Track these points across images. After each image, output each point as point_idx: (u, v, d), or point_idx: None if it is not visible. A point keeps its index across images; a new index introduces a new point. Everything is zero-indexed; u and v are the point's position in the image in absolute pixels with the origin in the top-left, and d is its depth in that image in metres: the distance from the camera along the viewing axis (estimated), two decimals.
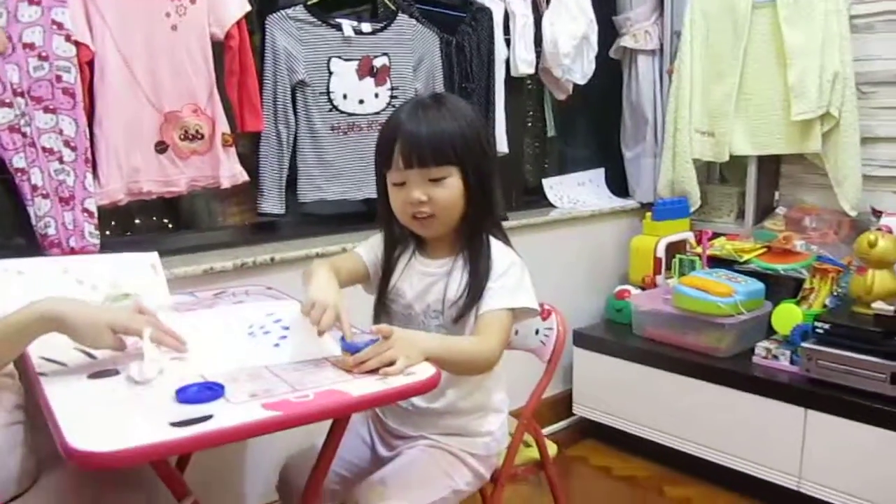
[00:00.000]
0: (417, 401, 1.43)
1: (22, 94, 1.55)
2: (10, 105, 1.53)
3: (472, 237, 1.40)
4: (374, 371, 1.14)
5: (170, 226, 2.09)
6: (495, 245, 1.41)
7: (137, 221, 2.03)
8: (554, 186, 2.85)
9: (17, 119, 1.55)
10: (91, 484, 1.16)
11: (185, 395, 1.03)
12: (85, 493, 1.14)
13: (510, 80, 2.47)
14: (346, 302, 1.27)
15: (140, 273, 1.60)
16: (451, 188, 1.34)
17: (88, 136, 1.64)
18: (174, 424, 0.95)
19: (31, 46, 1.54)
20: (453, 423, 1.44)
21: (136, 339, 1.14)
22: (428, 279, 1.43)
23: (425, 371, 1.15)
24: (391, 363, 1.14)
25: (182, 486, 1.12)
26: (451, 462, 1.41)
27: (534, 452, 1.67)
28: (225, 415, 0.98)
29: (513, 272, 1.39)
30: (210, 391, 1.05)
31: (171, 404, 1.02)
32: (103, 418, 0.98)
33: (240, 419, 0.97)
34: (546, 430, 1.72)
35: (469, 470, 1.43)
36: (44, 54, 1.56)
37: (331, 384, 1.10)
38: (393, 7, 2.16)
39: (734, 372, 2.25)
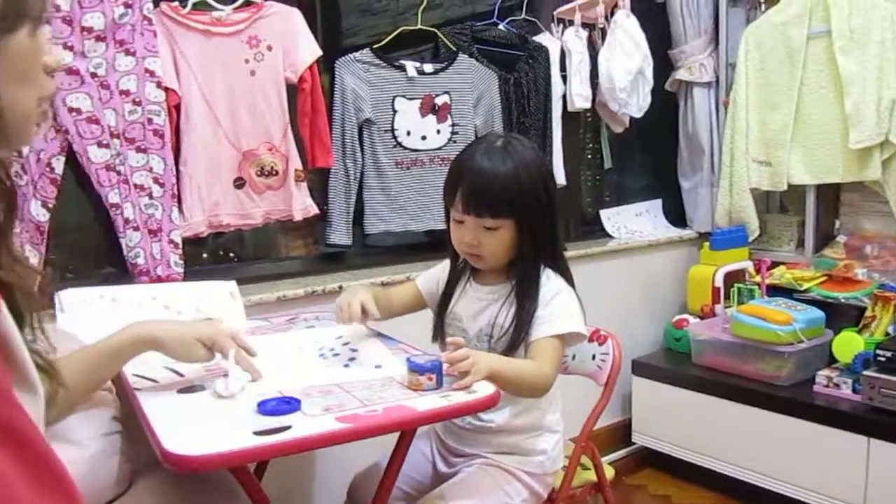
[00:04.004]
0: (475, 419, 1.51)
1: (118, 136, 1.70)
2: (107, 146, 1.69)
3: (524, 269, 1.47)
4: (439, 387, 1.22)
5: (234, 258, 2.20)
6: (545, 275, 1.47)
7: (205, 256, 2.14)
8: (612, 217, 2.90)
9: (112, 158, 1.70)
10: (180, 489, 1.26)
11: (266, 408, 1.13)
12: (176, 497, 1.24)
13: (567, 115, 2.55)
14: (408, 323, 1.38)
15: (220, 299, 1.73)
16: (501, 238, 1.42)
17: (175, 174, 1.79)
18: (257, 433, 1.04)
19: (126, 93, 1.70)
20: (508, 441, 1.50)
21: (218, 359, 1.25)
22: (480, 304, 1.51)
23: (486, 389, 1.23)
24: (465, 373, 1.23)
25: (262, 494, 1.21)
26: (506, 478, 1.48)
27: (591, 475, 1.72)
28: (302, 426, 1.07)
29: (559, 300, 1.45)
30: (288, 405, 1.14)
31: (254, 416, 1.12)
32: (194, 427, 1.08)
33: (315, 430, 1.06)
34: (605, 459, 1.76)
35: (524, 486, 1.49)
36: (137, 100, 1.71)
37: (397, 400, 1.18)
38: (453, 48, 2.27)
39: (795, 400, 2.24)
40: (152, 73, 1.72)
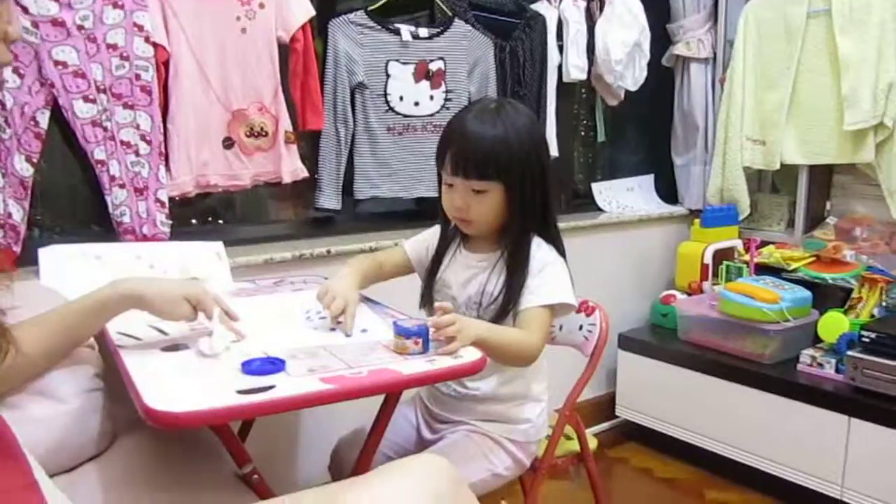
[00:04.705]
0: (460, 387, 1.51)
1: (104, 91, 1.67)
2: (93, 101, 1.66)
3: (513, 238, 1.46)
4: (425, 351, 1.21)
5: (222, 220, 2.18)
6: (536, 244, 1.46)
7: (193, 221, 2.12)
8: (603, 191, 2.89)
9: (99, 114, 1.67)
10: (163, 448, 1.26)
11: (250, 367, 1.12)
12: (157, 455, 1.24)
13: (562, 86, 2.53)
14: (395, 288, 1.36)
15: (206, 260, 1.71)
16: (489, 202, 1.40)
17: (162, 132, 1.76)
18: (241, 392, 1.03)
19: (114, 47, 1.66)
20: (493, 409, 1.50)
21: (202, 318, 1.24)
22: (469, 271, 1.50)
23: (472, 355, 1.22)
24: (452, 338, 1.22)
25: (244, 454, 1.20)
26: (490, 447, 1.48)
27: (574, 445, 1.72)
28: (286, 386, 1.06)
29: (549, 270, 1.44)
30: (272, 365, 1.13)
31: (238, 375, 1.10)
32: (177, 384, 1.07)
33: (299, 390, 1.05)
34: (589, 431, 1.76)
35: (508, 455, 1.50)
36: (125, 54, 1.68)
37: (383, 363, 1.17)
38: (449, 13, 2.24)
39: (778, 378, 2.26)
40: (141, 28, 1.68)
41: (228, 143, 1.87)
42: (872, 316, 2.26)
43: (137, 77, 1.70)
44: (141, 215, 1.74)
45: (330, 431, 1.70)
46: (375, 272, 1.57)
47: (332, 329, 1.37)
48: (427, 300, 1.55)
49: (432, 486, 0.95)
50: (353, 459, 1.36)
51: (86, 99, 1.65)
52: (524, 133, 1.40)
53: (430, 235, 1.62)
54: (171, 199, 1.79)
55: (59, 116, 1.65)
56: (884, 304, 2.27)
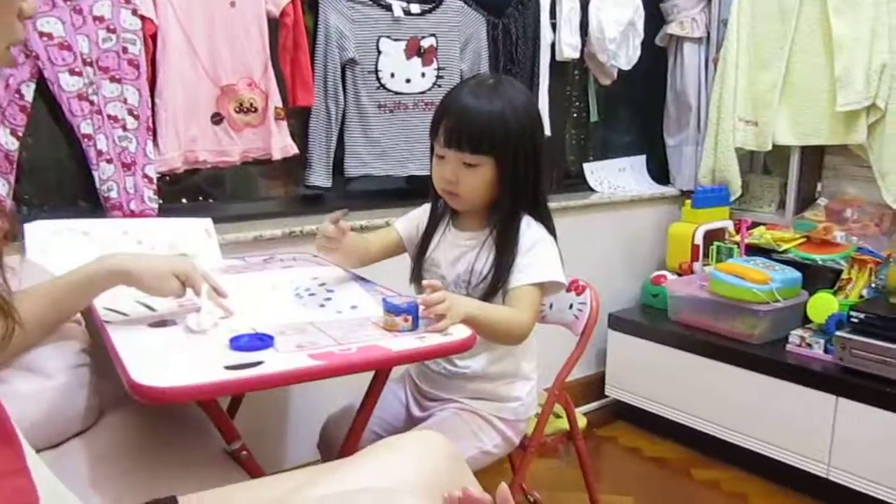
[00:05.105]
0: (450, 364, 1.51)
1: (91, 64, 1.64)
2: (79, 74, 1.63)
3: (503, 216, 1.45)
4: (414, 328, 1.21)
5: (211, 198, 2.16)
6: (525, 223, 1.46)
7: (184, 201, 2.10)
8: (595, 171, 2.88)
9: (85, 87, 1.65)
10: (150, 424, 1.25)
11: (238, 343, 1.12)
12: (144, 431, 1.23)
13: (555, 65, 2.51)
14: (385, 266, 1.35)
15: (195, 237, 1.70)
16: (480, 176, 1.39)
17: (150, 106, 1.73)
18: (228, 368, 1.03)
19: (100, 19, 1.64)
20: (483, 387, 1.50)
21: (190, 294, 1.23)
22: (458, 250, 1.49)
23: (461, 332, 1.22)
24: (441, 316, 1.22)
25: (232, 430, 1.20)
26: (480, 424, 1.48)
27: (564, 423, 1.73)
28: (274, 362, 1.06)
29: (539, 248, 1.43)
30: (261, 341, 1.13)
31: (226, 351, 1.10)
32: (164, 360, 1.06)
33: (288, 366, 1.05)
34: (578, 411, 1.76)
35: (497, 433, 1.50)
36: (112, 27, 1.65)
37: (372, 340, 1.17)
38: None
39: (767, 359, 2.27)
40: (128, 0, 1.65)
41: (217, 118, 1.85)
42: (861, 297, 2.27)
43: (125, 50, 1.67)
44: (128, 191, 1.72)
45: (319, 409, 1.70)
46: (362, 246, 1.55)
47: (322, 306, 1.36)
48: (417, 279, 1.54)
49: (429, 463, 0.94)
50: (342, 437, 1.36)
51: (72, 72, 1.62)
52: (521, 111, 1.39)
53: (420, 213, 1.61)
54: (160, 177, 1.77)
55: (44, 89, 1.62)
56: (873, 285, 2.28)
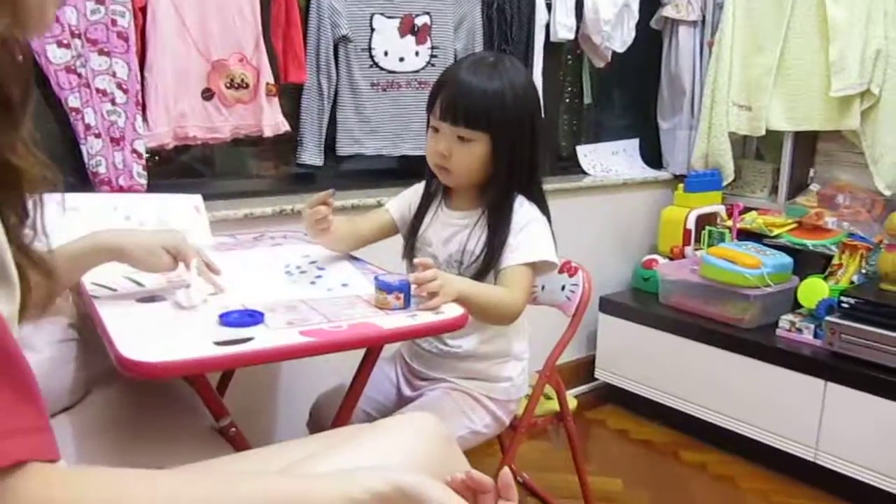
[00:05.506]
0: (441, 344, 1.50)
1: (79, 36, 1.62)
2: (67, 46, 1.60)
3: (495, 195, 1.44)
4: (406, 307, 1.20)
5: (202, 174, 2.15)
6: (518, 202, 1.45)
7: (171, 170, 2.08)
8: (588, 154, 2.87)
9: (73, 60, 1.62)
10: (138, 400, 1.24)
11: (228, 319, 1.10)
12: (132, 407, 1.22)
13: (549, 46, 2.49)
14: (377, 245, 1.34)
15: (184, 213, 1.68)
16: (473, 152, 1.38)
17: (140, 80, 1.71)
18: (218, 343, 1.02)
19: None
20: (474, 367, 1.50)
21: (180, 270, 1.21)
22: (450, 229, 1.48)
23: (453, 311, 1.21)
24: (433, 294, 1.21)
25: (221, 407, 1.19)
26: (470, 404, 1.48)
27: (554, 404, 1.73)
28: (264, 338, 1.05)
29: (531, 227, 1.42)
30: (251, 317, 1.11)
31: (215, 327, 1.09)
32: (153, 335, 1.05)
33: (278, 342, 1.04)
34: (568, 394, 1.77)
35: (487, 413, 1.49)
36: None
37: (363, 317, 1.16)
38: None
39: (757, 343, 2.27)
40: None
41: (208, 94, 1.82)
42: (852, 282, 2.28)
43: (114, 23, 1.64)
44: (117, 166, 1.69)
45: (309, 388, 1.69)
46: (352, 229, 1.54)
47: (312, 283, 1.35)
48: (409, 257, 1.53)
49: (422, 445, 0.92)
50: (332, 416, 1.35)
51: (59, 44, 1.59)
52: (520, 90, 1.38)
53: (412, 193, 1.59)
54: (149, 153, 1.75)
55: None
56: (863, 270, 2.29)
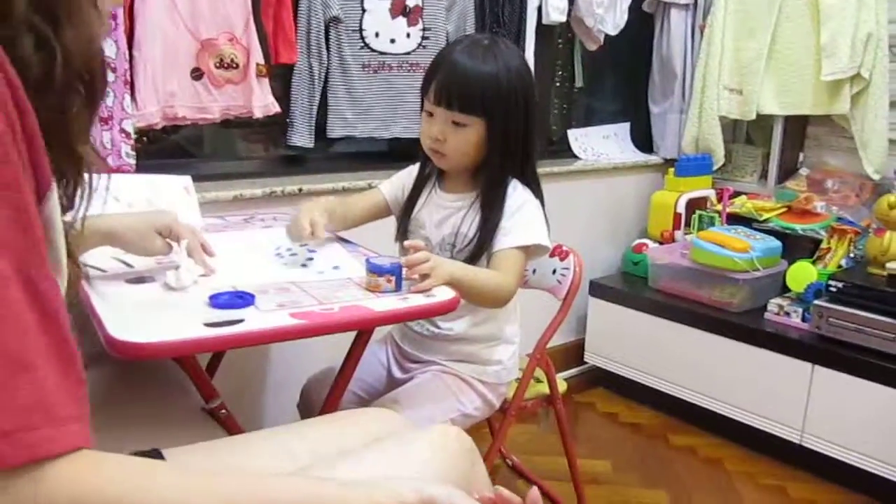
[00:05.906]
0: (432, 326, 1.50)
1: None
2: None
3: (489, 179, 1.43)
4: (397, 289, 1.20)
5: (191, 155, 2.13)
6: (512, 186, 1.44)
7: (161, 151, 2.07)
8: (579, 138, 2.86)
9: None
10: (127, 382, 1.23)
11: (219, 301, 1.10)
12: (121, 389, 1.21)
13: (541, 28, 2.47)
14: (368, 227, 1.34)
15: (174, 194, 1.66)
16: (468, 137, 1.38)
17: (128, 59, 1.69)
18: (208, 325, 1.01)
19: None
20: (465, 349, 1.50)
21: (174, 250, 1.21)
22: (444, 212, 1.48)
23: (445, 294, 1.21)
24: (425, 276, 1.21)
25: (211, 388, 1.19)
26: (460, 387, 1.48)
27: (544, 388, 1.73)
28: (255, 320, 1.04)
29: (524, 210, 1.42)
30: (241, 299, 1.11)
31: (206, 308, 1.08)
32: (142, 316, 1.05)
33: (268, 324, 1.03)
34: (558, 376, 1.77)
35: (478, 395, 1.50)
36: None
37: (354, 300, 1.15)
38: None
39: (745, 327, 2.29)
40: None
41: (197, 73, 1.80)
42: (840, 266, 2.29)
43: None
44: (105, 146, 1.68)
45: (299, 370, 1.69)
46: (345, 212, 1.54)
47: (304, 266, 1.35)
48: (402, 239, 1.53)
49: (446, 457, 0.89)
50: (323, 398, 1.35)
51: None
52: (514, 73, 1.37)
53: (405, 175, 1.59)
54: (138, 134, 1.73)
55: None
56: (851, 255, 2.30)
